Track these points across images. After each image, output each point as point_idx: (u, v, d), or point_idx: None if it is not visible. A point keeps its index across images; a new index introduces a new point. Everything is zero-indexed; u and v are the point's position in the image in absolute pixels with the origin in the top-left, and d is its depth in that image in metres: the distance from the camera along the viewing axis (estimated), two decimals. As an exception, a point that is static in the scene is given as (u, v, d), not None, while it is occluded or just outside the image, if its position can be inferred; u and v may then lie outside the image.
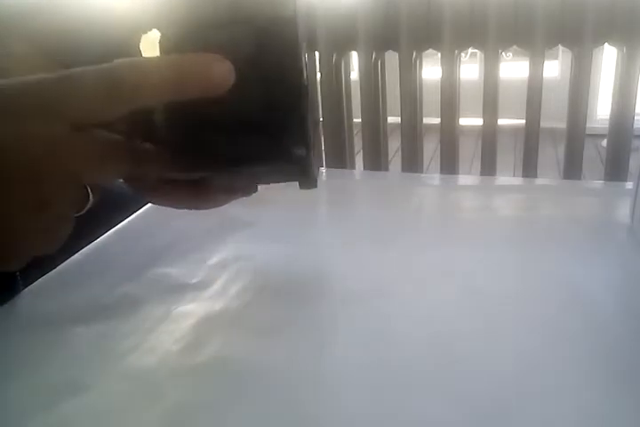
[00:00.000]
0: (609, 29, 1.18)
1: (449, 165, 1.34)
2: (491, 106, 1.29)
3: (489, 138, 1.32)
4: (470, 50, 1.30)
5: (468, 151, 1.97)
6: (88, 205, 0.29)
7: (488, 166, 1.34)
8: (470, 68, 2.21)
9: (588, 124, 1.29)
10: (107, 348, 0.31)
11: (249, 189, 0.37)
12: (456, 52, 1.26)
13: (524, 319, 0.31)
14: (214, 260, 0.39)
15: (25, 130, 0.26)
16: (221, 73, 0.28)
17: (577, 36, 1.20)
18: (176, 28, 0.29)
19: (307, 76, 0.30)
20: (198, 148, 0.31)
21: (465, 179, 0.65)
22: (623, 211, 0.42)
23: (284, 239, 0.41)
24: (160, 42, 0.30)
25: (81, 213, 0.29)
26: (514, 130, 1.71)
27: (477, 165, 1.36)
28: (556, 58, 2.92)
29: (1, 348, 0.31)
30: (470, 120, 1.52)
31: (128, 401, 0.27)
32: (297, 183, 0.34)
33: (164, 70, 0.28)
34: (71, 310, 0.33)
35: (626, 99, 1.23)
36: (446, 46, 1.24)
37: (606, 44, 1.22)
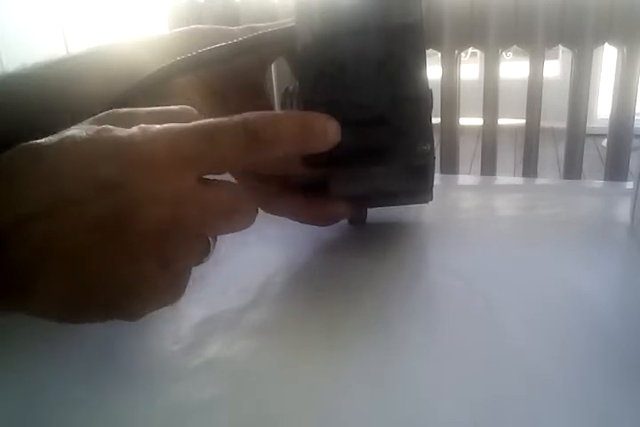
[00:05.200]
0: (609, 29, 1.18)
1: (449, 164, 1.33)
2: (491, 106, 1.29)
3: (489, 138, 1.32)
4: (470, 50, 1.30)
5: (468, 151, 1.96)
6: (209, 257, 0.28)
7: (488, 166, 1.33)
8: (470, 68, 2.21)
9: (588, 124, 1.28)
10: (107, 348, 0.31)
11: (360, 214, 0.40)
12: (456, 52, 1.26)
13: (523, 319, 0.31)
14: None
15: (157, 183, 0.25)
16: (335, 133, 0.30)
17: (577, 36, 1.20)
18: (312, 36, 0.32)
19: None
20: None
21: (465, 178, 0.65)
22: (623, 211, 0.41)
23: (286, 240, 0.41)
24: (298, 49, 0.32)
25: (201, 263, 0.28)
26: (514, 130, 1.70)
27: (477, 164, 1.36)
28: (556, 58, 2.92)
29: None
30: (470, 120, 1.52)
31: (127, 401, 0.27)
32: None
33: (293, 126, 0.29)
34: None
35: (626, 99, 1.23)
36: (446, 46, 1.24)
37: (606, 44, 1.22)
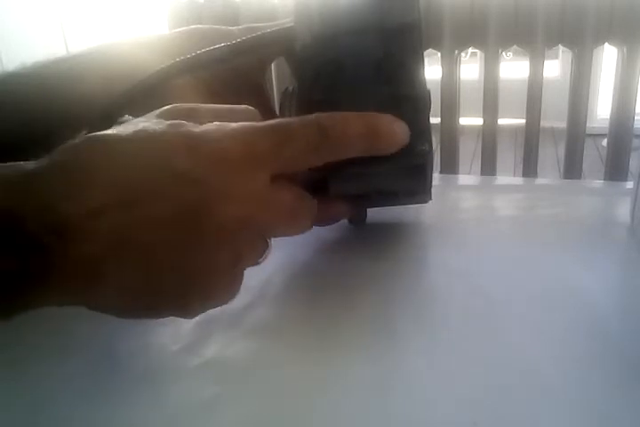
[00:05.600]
0: (609, 29, 1.18)
1: (449, 164, 1.33)
2: (491, 106, 1.29)
3: (489, 138, 1.32)
4: (470, 50, 1.30)
5: (468, 151, 1.96)
6: (265, 257, 0.28)
7: (488, 166, 1.33)
8: (470, 68, 2.21)
9: (588, 124, 1.28)
10: (107, 348, 0.31)
11: (360, 214, 0.40)
12: (456, 52, 1.26)
13: (524, 319, 0.31)
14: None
15: (231, 181, 0.25)
16: (403, 133, 0.30)
17: (577, 36, 1.20)
18: (310, 36, 0.32)
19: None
20: None
21: (465, 178, 0.65)
22: (623, 211, 0.41)
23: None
24: (297, 49, 0.32)
25: (257, 264, 0.28)
26: (514, 130, 1.70)
27: (477, 164, 1.36)
28: (557, 58, 2.92)
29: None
30: (470, 120, 1.51)
31: (128, 401, 0.27)
32: None
33: (362, 126, 0.28)
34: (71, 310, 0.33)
35: (626, 99, 1.23)
36: (446, 46, 1.24)
37: (606, 44, 1.22)
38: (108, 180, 0.23)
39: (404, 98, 0.32)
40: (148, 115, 0.27)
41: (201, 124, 0.26)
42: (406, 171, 0.34)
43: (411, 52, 0.32)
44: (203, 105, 0.29)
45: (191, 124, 0.26)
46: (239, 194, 0.25)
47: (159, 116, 0.27)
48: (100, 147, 0.24)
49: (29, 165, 0.23)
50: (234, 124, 0.26)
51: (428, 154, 0.32)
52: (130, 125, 0.25)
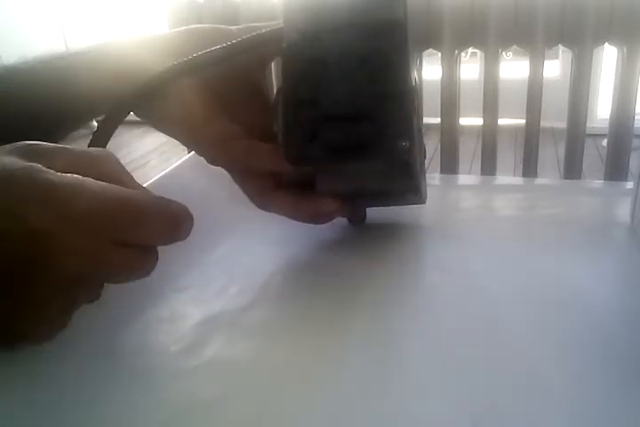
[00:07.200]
0: (609, 29, 1.18)
1: (449, 164, 1.33)
2: (491, 106, 1.28)
3: (489, 138, 1.32)
4: (470, 50, 1.30)
5: (468, 151, 1.96)
6: (98, 297, 0.29)
7: (488, 166, 1.33)
8: (470, 68, 2.21)
9: (588, 124, 1.28)
10: (107, 348, 0.31)
11: (359, 213, 0.40)
12: (456, 52, 1.25)
13: (524, 319, 0.31)
14: (212, 259, 0.39)
15: (76, 239, 0.25)
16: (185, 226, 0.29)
17: (577, 35, 1.19)
18: (296, 33, 0.32)
19: (415, 75, 0.32)
20: (308, 139, 0.32)
21: (465, 178, 0.65)
22: (623, 211, 0.41)
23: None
24: (284, 46, 0.33)
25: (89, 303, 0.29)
26: (514, 130, 1.70)
27: (477, 164, 1.36)
28: (557, 58, 2.92)
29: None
30: (470, 120, 1.51)
31: (128, 401, 0.27)
32: None
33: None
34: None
35: (626, 99, 1.23)
36: (446, 46, 1.24)
37: (606, 44, 1.22)
38: None
39: (387, 95, 0.32)
40: (1, 149, 0.26)
41: (58, 170, 0.25)
42: (390, 168, 0.34)
43: (395, 49, 0.32)
44: (61, 147, 0.28)
45: (51, 171, 0.25)
46: (80, 251, 0.25)
47: (14, 152, 0.26)
48: None
49: None
50: (97, 186, 0.26)
51: (409, 151, 0.32)
52: None
